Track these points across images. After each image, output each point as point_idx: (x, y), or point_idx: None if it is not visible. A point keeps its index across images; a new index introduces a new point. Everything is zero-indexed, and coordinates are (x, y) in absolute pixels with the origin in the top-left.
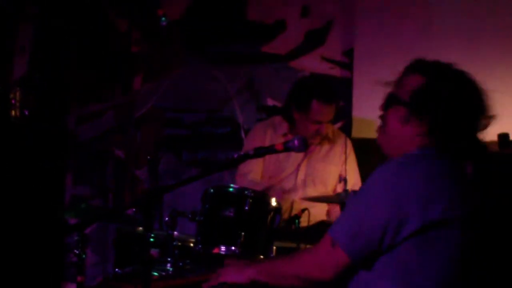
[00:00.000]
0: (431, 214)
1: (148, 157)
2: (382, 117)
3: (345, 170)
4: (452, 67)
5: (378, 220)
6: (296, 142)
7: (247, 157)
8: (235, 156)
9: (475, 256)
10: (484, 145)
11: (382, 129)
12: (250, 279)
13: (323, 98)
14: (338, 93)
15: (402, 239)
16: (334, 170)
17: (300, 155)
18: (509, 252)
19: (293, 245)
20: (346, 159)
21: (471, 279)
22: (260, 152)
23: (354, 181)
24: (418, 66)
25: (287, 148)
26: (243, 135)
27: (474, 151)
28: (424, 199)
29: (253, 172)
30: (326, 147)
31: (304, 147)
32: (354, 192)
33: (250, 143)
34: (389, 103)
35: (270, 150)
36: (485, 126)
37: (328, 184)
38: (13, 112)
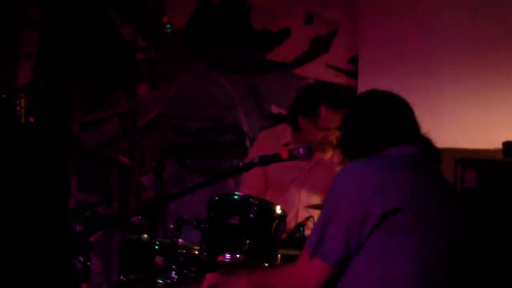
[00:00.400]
0: (390, 202)
1: (153, 164)
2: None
3: None
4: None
5: (340, 223)
6: (301, 150)
7: (252, 165)
8: (241, 164)
9: (446, 245)
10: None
11: None
12: None
13: (332, 104)
14: (344, 100)
15: (367, 235)
16: None
17: (305, 163)
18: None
19: (298, 253)
20: None
21: (449, 269)
22: (265, 160)
23: None
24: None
25: (292, 156)
26: (248, 142)
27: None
28: (379, 189)
29: (258, 187)
30: (330, 153)
31: (309, 155)
32: None
33: (253, 153)
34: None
35: (275, 158)
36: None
37: None
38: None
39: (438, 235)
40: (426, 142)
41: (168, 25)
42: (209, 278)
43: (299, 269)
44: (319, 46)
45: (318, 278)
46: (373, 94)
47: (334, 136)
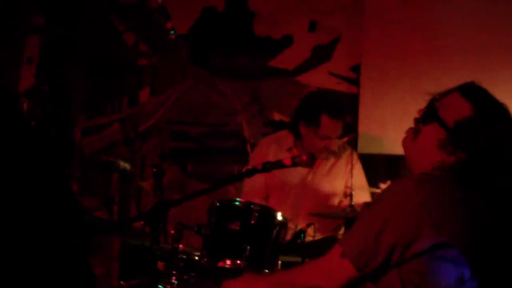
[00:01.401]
0: (441, 236)
1: (154, 169)
2: (417, 124)
3: (351, 182)
4: (499, 102)
5: (385, 240)
6: (304, 157)
7: (255, 171)
8: (243, 170)
9: (486, 274)
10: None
11: (413, 136)
12: None
13: (333, 114)
14: (345, 109)
15: (409, 257)
16: (339, 183)
17: (305, 170)
18: None
19: (298, 259)
20: (352, 169)
21: None
22: (268, 166)
23: (362, 193)
24: (468, 91)
25: (295, 163)
26: (249, 149)
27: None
28: (433, 222)
29: (259, 194)
30: (331, 161)
31: (312, 162)
32: (368, 204)
33: (254, 159)
34: (431, 118)
35: (278, 165)
36: None
37: (334, 199)
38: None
39: (478, 267)
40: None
41: (171, 32)
42: (226, 285)
43: (329, 264)
44: (321, 54)
45: (345, 278)
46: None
47: (335, 144)
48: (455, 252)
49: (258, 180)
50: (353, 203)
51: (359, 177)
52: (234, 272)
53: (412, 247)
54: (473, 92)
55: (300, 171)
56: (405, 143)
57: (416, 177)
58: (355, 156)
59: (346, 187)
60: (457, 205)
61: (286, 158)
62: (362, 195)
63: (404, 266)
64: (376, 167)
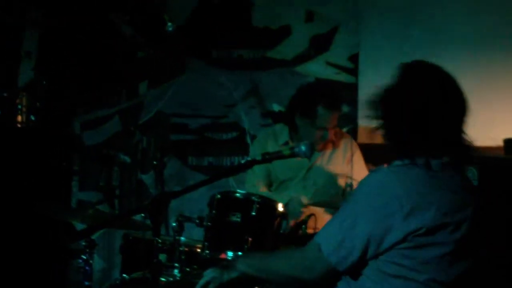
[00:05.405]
0: (413, 225)
1: (154, 162)
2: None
3: (352, 170)
4: (432, 67)
5: (360, 233)
6: (302, 147)
7: (254, 162)
8: (243, 161)
9: (469, 255)
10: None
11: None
12: (240, 272)
13: (329, 104)
14: (343, 99)
15: (385, 249)
16: (340, 171)
17: (305, 161)
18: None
19: None
20: (351, 157)
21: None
22: (267, 157)
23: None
24: (400, 68)
25: (294, 153)
26: (248, 140)
27: (465, 156)
28: (406, 210)
29: (261, 184)
30: (329, 150)
31: (311, 152)
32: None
33: (254, 152)
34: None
35: (277, 155)
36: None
37: (335, 187)
38: (19, 118)
39: (454, 253)
40: (459, 151)
41: (169, 23)
42: (207, 274)
43: (307, 258)
44: (319, 44)
45: (323, 271)
46: (423, 72)
47: (331, 135)
48: (430, 237)
49: (260, 169)
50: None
51: (359, 165)
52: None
53: (387, 239)
54: (403, 68)
55: (300, 162)
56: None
57: (385, 169)
58: (354, 144)
59: (346, 176)
60: (425, 190)
61: (285, 149)
62: None
63: (382, 258)
64: (377, 157)
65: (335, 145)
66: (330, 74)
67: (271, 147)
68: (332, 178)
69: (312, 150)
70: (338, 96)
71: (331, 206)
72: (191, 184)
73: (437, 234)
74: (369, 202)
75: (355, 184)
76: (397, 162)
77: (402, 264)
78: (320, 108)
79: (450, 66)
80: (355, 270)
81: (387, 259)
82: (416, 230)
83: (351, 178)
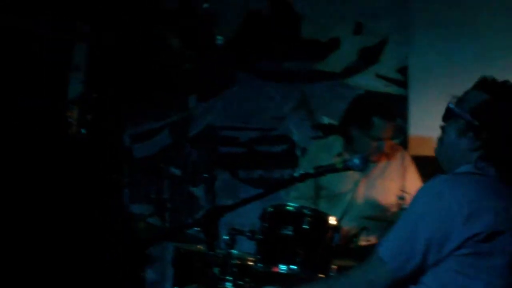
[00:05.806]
0: (473, 229)
1: (204, 175)
2: (442, 128)
3: (405, 184)
4: None
5: (420, 237)
6: (356, 160)
7: (307, 176)
8: (296, 175)
9: None
10: None
11: (440, 139)
12: None
13: (385, 115)
14: (395, 110)
15: (445, 255)
16: (393, 186)
17: (357, 173)
18: None
19: (353, 263)
20: (405, 171)
21: None
22: (320, 170)
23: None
24: (483, 84)
25: (347, 167)
26: (298, 153)
27: None
28: (465, 215)
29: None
30: (383, 163)
31: (365, 165)
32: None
33: (305, 165)
34: (449, 115)
35: (330, 168)
36: None
37: (387, 201)
38: (70, 131)
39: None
40: None
41: (218, 37)
42: None
43: (369, 271)
44: (368, 56)
45: (386, 283)
46: None
47: (387, 146)
48: (489, 243)
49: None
50: (406, 205)
51: (413, 177)
52: (288, 277)
53: (447, 243)
54: (485, 84)
55: (353, 174)
56: (436, 150)
57: (444, 177)
58: (407, 157)
59: (400, 189)
60: (487, 197)
61: (338, 161)
62: None
63: (442, 265)
64: (428, 169)
65: (388, 157)
66: (380, 86)
67: (324, 159)
68: (385, 190)
69: (367, 162)
70: (393, 107)
71: (384, 220)
72: (244, 198)
73: (496, 241)
74: (428, 207)
75: (407, 198)
76: (462, 169)
77: (462, 272)
78: (376, 119)
79: (502, 77)
80: (416, 279)
81: (447, 267)
82: (476, 235)
83: (404, 191)
